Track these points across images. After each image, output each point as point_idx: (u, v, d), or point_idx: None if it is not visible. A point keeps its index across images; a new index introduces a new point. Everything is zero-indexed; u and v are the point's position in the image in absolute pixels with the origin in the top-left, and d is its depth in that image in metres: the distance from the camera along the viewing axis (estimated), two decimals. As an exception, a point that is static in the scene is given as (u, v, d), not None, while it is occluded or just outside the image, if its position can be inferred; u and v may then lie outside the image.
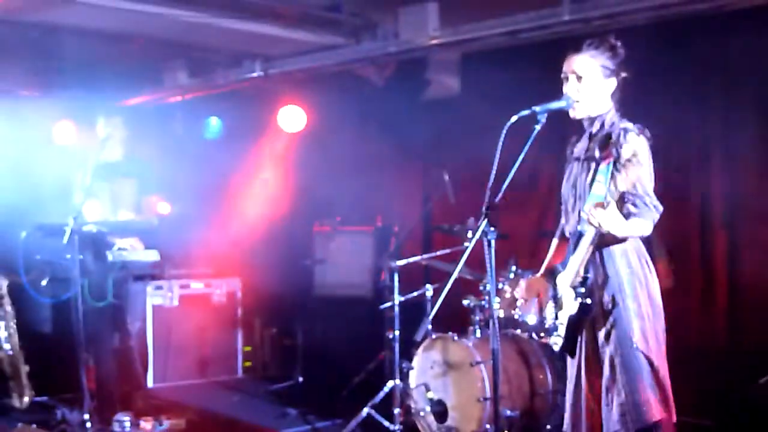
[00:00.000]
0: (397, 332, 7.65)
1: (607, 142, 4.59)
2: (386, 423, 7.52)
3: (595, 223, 4.39)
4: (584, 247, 4.56)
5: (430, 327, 7.23)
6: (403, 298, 7.75)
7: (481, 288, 7.46)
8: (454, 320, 7.67)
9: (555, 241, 5.24)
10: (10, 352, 8.38)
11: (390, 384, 7.60)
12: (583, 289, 4.63)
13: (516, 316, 7.29)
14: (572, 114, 4.78)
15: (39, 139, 10.64)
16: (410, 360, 7.48)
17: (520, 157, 4.41)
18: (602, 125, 4.74)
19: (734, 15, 6.91)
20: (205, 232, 10.54)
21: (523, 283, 5.24)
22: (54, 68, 10.02)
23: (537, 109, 4.52)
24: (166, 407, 8.57)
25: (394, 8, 8.31)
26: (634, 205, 4.51)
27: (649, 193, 4.53)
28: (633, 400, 4.54)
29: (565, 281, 4.75)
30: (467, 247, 4.45)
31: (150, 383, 9.55)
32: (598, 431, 4.72)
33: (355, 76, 9.66)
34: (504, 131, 4.30)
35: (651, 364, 4.57)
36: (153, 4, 7.70)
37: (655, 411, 4.54)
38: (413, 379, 7.45)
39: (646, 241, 4.79)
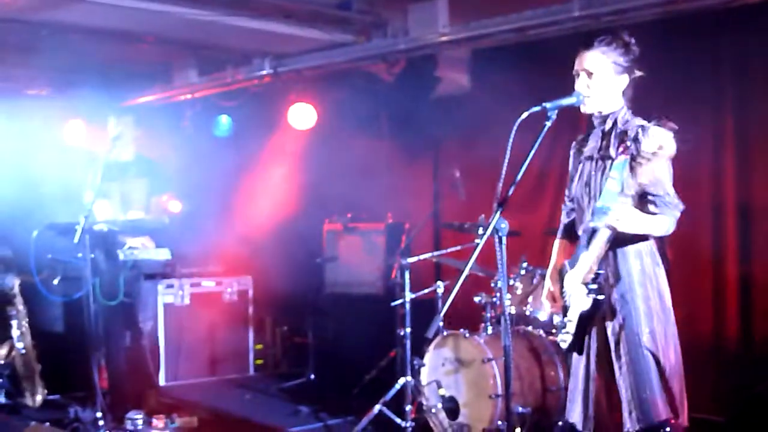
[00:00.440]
0: (408, 329, 7.64)
1: (623, 139, 4.59)
2: (398, 420, 7.51)
3: (617, 223, 4.39)
4: (599, 245, 4.54)
5: (441, 324, 7.22)
6: (414, 296, 7.74)
7: (492, 285, 7.46)
8: (466, 317, 7.68)
9: (558, 242, 5.24)
10: (23, 351, 8.43)
11: (401, 381, 7.59)
12: (595, 285, 4.63)
13: (527, 313, 7.30)
14: (582, 108, 4.76)
15: (49, 138, 10.67)
16: (422, 357, 7.47)
17: (531, 154, 4.40)
18: (615, 122, 4.72)
19: (744, 9, 6.89)
20: (215, 231, 10.55)
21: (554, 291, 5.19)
22: (64, 67, 10.04)
23: (547, 105, 4.50)
24: (178, 405, 8.60)
25: (403, 5, 8.32)
26: (655, 204, 4.50)
27: (668, 191, 4.51)
28: (639, 398, 4.54)
29: (575, 278, 4.73)
30: (478, 244, 4.44)
31: (162, 381, 9.55)
32: (607, 427, 4.72)
33: (365, 74, 9.66)
34: (514, 128, 4.28)
35: (658, 363, 4.56)
36: (163, 3, 7.72)
37: (661, 410, 4.53)
38: (425, 376, 7.45)
39: (659, 240, 4.78)
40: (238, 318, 10.90)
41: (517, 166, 4.33)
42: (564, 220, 5.21)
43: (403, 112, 9.66)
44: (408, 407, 7.49)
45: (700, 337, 7.55)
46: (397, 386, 7.61)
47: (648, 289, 4.62)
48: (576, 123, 5.13)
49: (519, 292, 7.37)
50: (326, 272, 10.24)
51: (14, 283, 8.57)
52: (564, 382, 6.99)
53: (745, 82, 7.52)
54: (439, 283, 7.75)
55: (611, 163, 4.60)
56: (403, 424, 7.47)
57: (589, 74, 4.70)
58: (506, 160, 4.28)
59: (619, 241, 4.58)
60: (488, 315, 7.41)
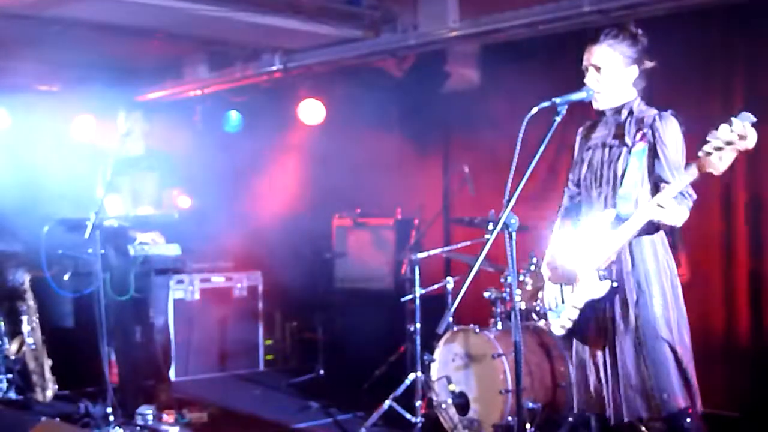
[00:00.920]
0: (418, 325, 7.65)
1: (639, 126, 4.59)
2: (408, 415, 7.52)
3: (663, 216, 4.38)
4: (629, 233, 4.51)
5: (451, 319, 7.22)
6: (423, 291, 7.75)
7: (502, 280, 7.45)
8: (475, 312, 7.68)
9: (558, 221, 5.24)
10: (33, 346, 8.45)
11: (411, 376, 7.60)
12: (606, 272, 4.62)
13: (537, 308, 7.29)
14: (596, 106, 4.77)
15: (59, 134, 10.69)
16: (432, 352, 7.47)
17: (541, 149, 4.39)
18: (630, 111, 4.72)
19: (755, 2, 6.87)
20: (225, 226, 10.56)
21: (545, 266, 5.20)
22: (74, 63, 10.06)
23: (557, 100, 4.50)
24: (188, 400, 8.61)
25: (413, 0, 8.31)
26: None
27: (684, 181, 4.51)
28: (658, 388, 4.53)
29: (588, 263, 4.72)
30: (488, 240, 4.44)
31: (172, 377, 9.57)
32: (621, 415, 4.70)
33: (374, 69, 9.65)
34: (524, 123, 4.28)
35: (675, 353, 4.56)
36: (173, -1, 7.75)
37: (680, 399, 4.54)
38: (435, 372, 7.45)
39: (671, 233, 4.77)
40: (247, 313, 10.92)
41: (527, 162, 4.33)
42: (566, 202, 5.21)
43: (412, 108, 9.66)
44: (418, 403, 7.50)
45: (712, 333, 7.54)
46: (407, 382, 7.62)
47: (662, 278, 4.63)
48: (586, 118, 5.11)
49: (529, 287, 7.35)
50: (336, 268, 10.24)
51: (25, 278, 8.59)
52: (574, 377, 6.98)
53: (756, 76, 7.49)
54: (449, 278, 7.74)
55: (629, 151, 4.60)
56: (413, 419, 7.48)
57: (598, 69, 4.70)
58: (516, 156, 4.28)
59: (641, 230, 4.57)
60: (498, 310, 7.41)
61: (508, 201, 4.31)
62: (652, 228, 4.57)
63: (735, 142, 4.03)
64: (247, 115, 11.12)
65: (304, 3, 8.14)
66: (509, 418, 6.78)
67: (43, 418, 6.79)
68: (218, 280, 10.77)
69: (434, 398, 7.42)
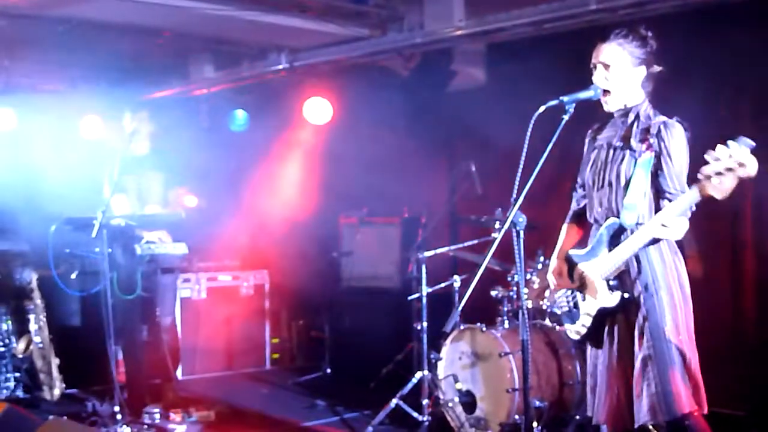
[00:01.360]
0: (425, 323, 7.66)
1: (646, 135, 4.59)
2: (415, 414, 7.52)
3: (669, 234, 4.39)
4: (635, 246, 4.52)
5: (458, 318, 7.22)
6: (430, 290, 7.75)
7: (509, 279, 7.46)
8: (482, 311, 7.67)
9: (566, 226, 5.25)
10: (41, 345, 8.47)
11: (418, 375, 7.61)
12: (616, 282, 4.63)
13: (544, 307, 7.28)
14: (606, 107, 4.77)
15: (66, 134, 10.70)
16: (438, 351, 7.48)
17: (548, 148, 4.39)
18: (637, 116, 4.72)
19: (764, 2, 6.86)
20: (232, 225, 10.57)
21: (551, 274, 5.22)
22: (80, 63, 10.07)
23: (565, 99, 4.50)
24: (195, 399, 8.61)
25: (419, -1, 8.32)
26: (671, 202, 4.50)
27: (685, 191, 4.51)
28: (664, 392, 4.52)
29: (596, 272, 4.73)
30: (495, 238, 4.44)
31: (179, 375, 9.57)
32: (628, 421, 4.71)
33: (380, 68, 9.66)
34: (532, 121, 4.28)
35: (683, 356, 4.56)
36: (179, -2, 7.76)
37: (686, 403, 4.52)
38: (442, 370, 7.46)
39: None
40: (254, 312, 10.93)
41: (534, 160, 4.33)
42: (574, 206, 5.23)
43: (419, 106, 9.66)
44: (425, 401, 7.51)
45: (719, 331, 7.53)
46: (414, 380, 7.63)
47: (670, 280, 4.62)
48: (593, 116, 5.11)
49: (536, 286, 7.36)
50: (342, 266, 10.26)
51: (32, 277, 8.62)
52: (581, 376, 6.99)
53: (763, 74, 7.48)
54: (456, 277, 7.75)
55: (635, 159, 4.60)
56: (420, 418, 7.48)
57: (606, 67, 4.70)
58: (524, 154, 4.28)
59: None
60: (505, 309, 7.42)
61: (516, 199, 4.32)
62: (655, 240, 4.57)
63: (735, 168, 3.99)
64: (254, 114, 11.12)
65: (311, 2, 8.15)
66: (516, 417, 6.79)
67: (51, 417, 6.80)
68: (225, 278, 10.78)
69: (441, 397, 7.43)
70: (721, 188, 4.07)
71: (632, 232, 4.58)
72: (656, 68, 4.75)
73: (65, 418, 7.13)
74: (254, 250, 11.04)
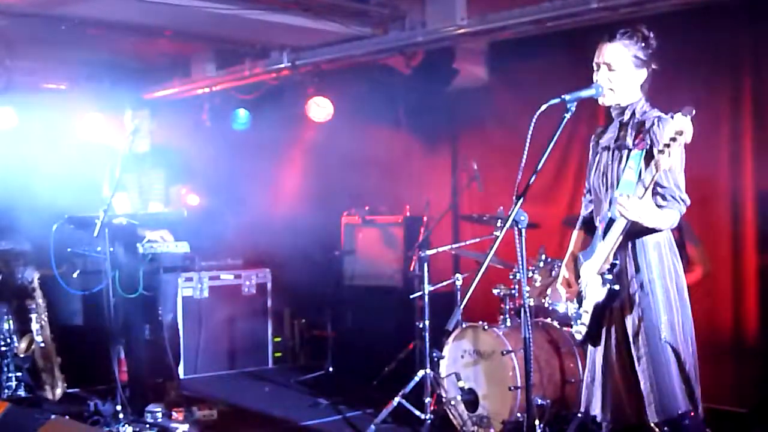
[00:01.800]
0: (427, 321, 7.65)
1: (640, 130, 4.60)
2: (417, 412, 7.52)
3: (625, 213, 4.39)
4: (615, 235, 4.55)
5: (460, 316, 7.21)
6: (432, 288, 7.75)
7: (511, 277, 7.45)
8: (484, 309, 7.68)
9: (575, 233, 5.25)
10: (43, 345, 8.47)
11: (420, 373, 7.60)
12: (610, 276, 4.63)
13: (546, 305, 7.29)
14: (601, 101, 4.77)
15: (68, 132, 10.71)
16: (441, 349, 7.48)
17: (550, 146, 4.39)
18: (633, 114, 4.72)
19: (764, 1, 6.87)
20: (234, 224, 10.57)
21: (560, 285, 5.22)
22: (82, 61, 10.07)
23: (567, 97, 4.50)
24: (197, 398, 8.62)
25: (421, -3, 8.33)
26: (663, 197, 4.52)
27: (679, 185, 4.53)
28: (659, 391, 4.54)
29: (592, 269, 4.75)
30: (497, 236, 4.45)
31: (181, 374, 9.57)
32: (625, 418, 4.71)
33: (382, 66, 9.65)
34: (534, 120, 4.28)
35: (678, 356, 4.56)
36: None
37: (681, 403, 4.54)
38: (444, 369, 7.46)
39: (678, 231, 4.77)
40: (256, 311, 10.92)
41: (535, 158, 4.33)
42: (583, 212, 5.22)
43: (421, 105, 9.65)
44: (427, 399, 7.50)
45: (720, 330, 7.53)
46: (416, 378, 7.62)
47: (667, 281, 4.62)
48: (595, 115, 5.13)
49: (538, 284, 7.36)
50: (344, 265, 10.26)
51: (34, 276, 8.61)
52: (583, 374, 6.98)
53: (763, 73, 7.48)
54: (458, 275, 7.75)
55: (628, 153, 4.61)
56: (423, 416, 7.48)
57: (609, 67, 4.70)
58: (525, 152, 4.28)
59: (638, 231, 4.58)
60: (507, 307, 7.41)
61: (518, 198, 4.32)
62: (646, 229, 4.57)
63: (677, 138, 4.09)
64: (256, 112, 11.11)
65: (313, 1, 8.14)
66: (518, 415, 6.79)
67: (53, 416, 6.80)
68: (227, 277, 10.77)
69: (443, 395, 7.43)
70: (669, 159, 4.18)
71: None
72: (654, 67, 4.75)
73: (67, 417, 7.15)
74: (256, 248, 11.04)
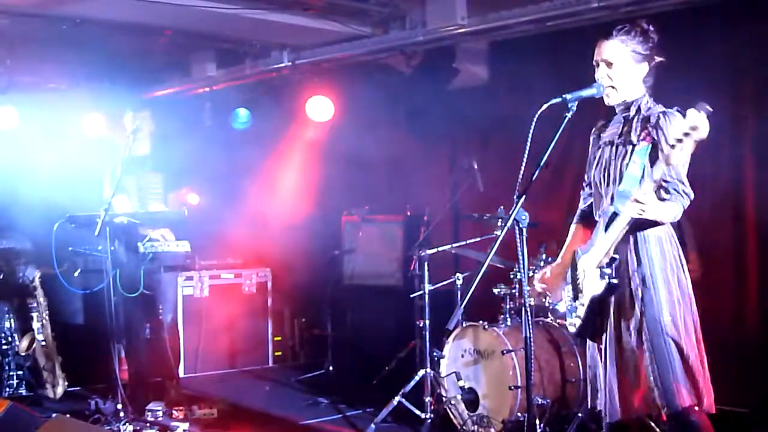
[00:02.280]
0: (427, 321, 7.65)
1: (645, 125, 4.60)
2: (417, 411, 7.52)
3: (645, 211, 4.38)
4: (618, 229, 4.54)
5: (460, 315, 7.22)
6: (432, 287, 7.75)
7: (511, 276, 7.46)
8: (484, 308, 7.67)
9: (573, 226, 5.25)
10: (44, 343, 8.48)
11: (421, 373, 7.60)
12: (609, 270, 4.63)
13: (546, 304, 7.30)
14: (607, 101, 4.78)
15: (69, 131, 10.71)
16: (441, 348, 7.49)
17: (551, 145, 4.40)
18: (638, 109, 4.72)
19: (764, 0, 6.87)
20: (234, 223, 10.58)
21: (547, 271, 5.23)
22: (83, 61, 10.07)
23: (568, 96, 4.50)
24: (198, 397, 8.64)
25: (421, -3, 8.33)
26: (667, 191, 4.51)
27: (682, 179, 4.52)
28: (663, 386, 4.53)
29: (591, 262, 4.75)
30: (498, 236, 4.46)
31: (181, 373, 9.57)
32: (626, 412, 4.72)
33: (383, 66, 9.66)
34: (535, 119, 4.29)
35: (681, 350, 4.56)
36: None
37: (685, 397, 4.53)
38: (444, 368, 7.47)
39: (678, 230, 4.77)
40: (257, 310, 10.94)
41: (536, 158, 4.34)
42: (582, 206, 5.23)
43: (421, 104, 9.66)
44: (427, 399, 7.51)
45: (722, 329, 7.53)
46: (417, 378, 7.63)
47: (669, 275, 4.62)
48: (596, 114, 5.11)
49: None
50: (345, 264, 10.26)
51: (35, 275, 8.62)
52: (584, 373, 6.99)
53: (764, 73, 7.48)
54: (458, 274, 7.75)
55: (632, 148, 4.61)
56: (423, 415, 7.48)
57: (609, 64, 4.71)
58: (526, 152, 4.29)
59: (639, 225, 4.58)
60: (507, 306, 7.42)
61: (519, 197, 4.32)
62: (647, 223, 4.57)
63: (691, 133, 4.04)
64: (256, 112, 11.12)
65: (313, 0, 8.15)
66: (519, 414, 6.80)
67: (54, 415, 6.82)
68: (227, 276, 10.79)
69: (444, 394, 7.43)
70: (682, 155, 4.15)
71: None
72: (657, 59, 4.75)
73: (68, 416, 7.14)
74: (256, 248, 11.05)
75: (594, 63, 4.77)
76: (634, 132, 4.67)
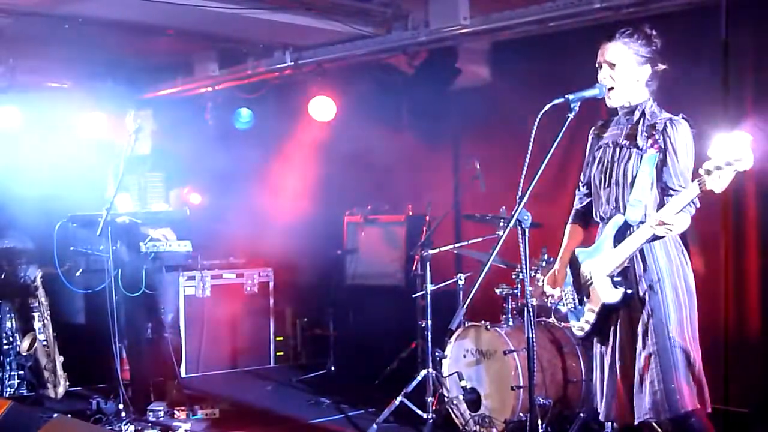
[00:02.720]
0: (429, 321, 7.65)
1: (652, 132, 4.60)
2: (419, 412, 7.52)
3: (663, 231, 4.40)
4: (637, 243, 4.54)
5: (462, 316, 7.21)
6: (435, 287, 7.75)
7: (514, 276, 7.45)
8: (487, 309, 7.67)
9: (569, 227, 5.25)
10: (45, 343, 8.48)
11: (423, 373, 7.60)
12: (620, 278, 4.63)
13: (549, 305, 7.29)
14: (609, 102, 4.78)
15: (70, 131, 10.71)
16: (443, 348, 7.48)
17: (554, 146, 4.39)
18: (643, 113, 4.72)
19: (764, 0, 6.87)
20: (236, 223, 10.57)
21: (554, 275, 5.23)
22: (85, 60, 10.07)
23: (570, 97, 4.50)
24: (200, 397, 8.63)
25: (424, -3, 8.32)
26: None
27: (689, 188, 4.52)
28: (667, 389, 4.53)
29: (600, 269, 4.74)
30: (500, 236, 4.45)
31: (183, 373, 9.57)
32: (630, 417, 4.71)
33: (385, 66, 9.65)
34: (537, 119, 4.28)
35: (687, 354, 4.56)
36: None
37: (689, 401, 4.54)
38: (446, 368, 7.46)
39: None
40: (258, 310, 10.94)
41: (539, 158, 4.33)
42: (577, 205, 5.23)
43: (423, 104, 9.65)
44: (429, 399, 7.51)
45: (723, 328, 7.51)
46: (419, 378, 7.62)
47: (675, 278, 4.63)
48: (597, 114, 5.11)
49: (540, 283, 7.34)
50: (347, 264, 10.26)
51: (37, 275, 8.61)
52: (585, 374, 6.99)
53: (765, 73, 7.47)
54: (460, 274, 7.75)
55: (641, 156, 4.61)
56: (425, 415, 7.48)
57: (611, 65, 4.71)
58: (529, 152, 4.28)
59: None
60: (509, 306, 7.42)
61: (522, 197, 4.32)
62: (657, 237, 4.57)
63: (733, 162, 4.05)
64: (258, 111, 11.12)
65: (316, 0, 8.14)
66: (521, 414, 6.80)
67: (55, 415, 6.82)
68: (229, 276, 10.78)
69: (445, 394, 7.43)
70: (720, 182, 4.16)
71: (637, 229, 4.59)
72: (661, 67, 4.76)
73: (69, 416, 7.14)
74: (258, 248, 11.03)
75: (597, 64, 4.77)
76: (641, 137, 4.67)
